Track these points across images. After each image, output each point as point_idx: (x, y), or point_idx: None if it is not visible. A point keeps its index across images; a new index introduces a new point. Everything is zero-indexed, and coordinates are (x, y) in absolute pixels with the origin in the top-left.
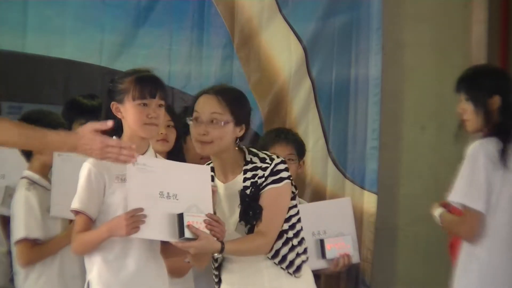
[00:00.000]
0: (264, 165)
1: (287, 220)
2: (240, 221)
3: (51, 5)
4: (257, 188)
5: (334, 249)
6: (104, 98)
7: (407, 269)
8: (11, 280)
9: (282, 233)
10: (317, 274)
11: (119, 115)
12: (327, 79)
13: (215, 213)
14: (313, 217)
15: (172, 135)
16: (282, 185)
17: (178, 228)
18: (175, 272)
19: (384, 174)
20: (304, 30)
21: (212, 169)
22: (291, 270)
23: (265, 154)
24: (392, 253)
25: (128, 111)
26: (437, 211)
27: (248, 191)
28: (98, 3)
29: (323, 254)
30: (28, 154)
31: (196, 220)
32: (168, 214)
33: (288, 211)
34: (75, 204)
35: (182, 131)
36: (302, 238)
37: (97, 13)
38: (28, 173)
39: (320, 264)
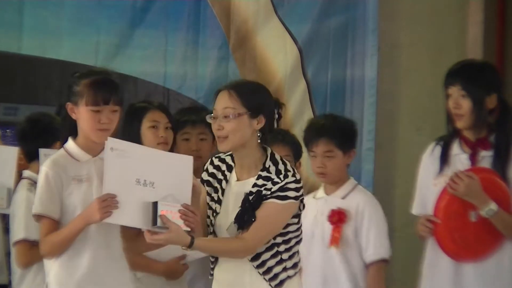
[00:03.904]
0: (276, 179)
1: (283, 235)
2: (234, 222)
3: (47, 6)
4: (259, 198)
5: None
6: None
7: (403, 270)
8: (10, 281)
9: (273, 245)
10: None
11: (73, 116)
12: (323, 80)
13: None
14: None
15: (171, 137)
16: (285, 203)
17: (152, 216)
18: (169, 275)
19: (380, 175)
20: (299, 31)
21: (231, 165)
22: (273, 283)
23: (284, 166)
24: None
25: (82, 115)
26: (490, 206)
27: (251, 197)
28: (94, 4)
29: None
30: (29, 156)
31: (171, 209)
32: (143, 201)
33: (286, 227)
34: (37, 208)
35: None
36: (295, 253)
37: (93, 14)
38: (29, 173)
39: None
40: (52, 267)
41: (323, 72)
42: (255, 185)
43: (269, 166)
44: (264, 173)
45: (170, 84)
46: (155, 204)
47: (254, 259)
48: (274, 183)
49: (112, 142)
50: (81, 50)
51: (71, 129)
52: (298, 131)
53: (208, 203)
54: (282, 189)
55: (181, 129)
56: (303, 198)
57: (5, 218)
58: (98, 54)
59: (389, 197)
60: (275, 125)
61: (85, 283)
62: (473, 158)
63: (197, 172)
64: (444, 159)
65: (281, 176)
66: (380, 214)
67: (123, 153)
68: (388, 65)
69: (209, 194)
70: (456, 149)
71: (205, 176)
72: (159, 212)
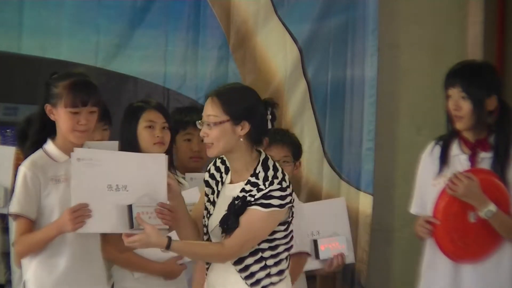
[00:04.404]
0: (261, 186)
1: (270, 241)
2: (219, 225)
3: (46, 6)
4: (244, 204)
5: (328, 249)
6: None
7: (402, 270)
8: (9, 280)
9: (258, 251)
10: (312, 275)
11: (52, 117)
12: (323, 80)
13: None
14: (307, 217)
15: (167, 137)
16: (268, 211)
17: (128, 219)
18: (167, 275)
19: (380, 175)
20: (299, 31)
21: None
22: None
23: (274, 172)
24: (388, 254)
25: (60, 117)
26: (489, 207)
27: (237, 202)
28: (93, 4)
29: (316, 255)
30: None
31: (146, 210)
32: (118, 206)
33: (272, 234)
34: (14, 208)
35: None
36: (282, 260)
37: (93, 14)
38: None
39: (314, 265)
40: (30, 265)
41: (323, 72)
42: (242, 190)
43: (259, 171)
44: (253, 179)
45: (170, 84)
46: (130, 207)
47: (237, 263)
48: (259, 190)
49: (78, 153)
50: (81, 50)
51: (50, 130)
52: (298, 131)
53: (205, 204)
54: (265, 196)
55: (183, 129)
56: (291, 206)
57: (4, 218)
58: (98, 54)
59: (389, 197)
60: (270, 126)
61: (63, 282)
62: (472, 159)
63: (196, 171)
64: (444, 159)
65: (267, 183)
66: None
67: (90, 162)
68: (388, 65)
69: (206, 195)
70: (455, 149)
71: (206, 176)
72: (135, 214)
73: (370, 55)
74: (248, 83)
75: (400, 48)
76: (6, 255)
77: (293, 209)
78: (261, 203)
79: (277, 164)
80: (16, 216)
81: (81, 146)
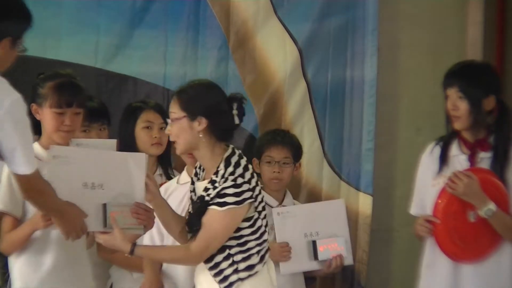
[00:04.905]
0: (217, 184)
1: (237, 238)
2: (186, 226)
3: (46, 7)
4: (204, 204)
5: (326, 250)
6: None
7: (402, 270)
8: (6, 280)
9: (224, 248)
10: (312, 276)
11: (37, 117)
12: (323, 81)
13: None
14: (306, 219)
15: (165, 138)
16: (224, 210)
17: (102, 218)
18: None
19: (380, 175)
20: (299, 32)
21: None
22: (222, 285)
23: (233, 169)
24: (388, 254)
25: (45, 117)
26: (489, 206)
27: (198, 202)
28: (93, 5)
29: (315, 255)
30: None
31: (121, 209)
32: (94, 204)
33: (239, 231)
34: None
35: None
36: (251, 255)
37: (92, 15)
38: None
39: (313, 266)
40: (16, 263)
41: (323, 72)
42: (205, 189)
43: (220, 169)
44: (214, 177)
45: (170, 85)
46: (104, 206)
47: (207, 261)
48: (215, 189)
49: (55, 150)
50: (81, 50)
51: (35, 129)
52: (298, 131)
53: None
54: (219, 195)
55: None
56: (254, 200)
57: None
58: (98, 55)
59: (388, 197)
60: (237, 121)
61: (48, 280)
62: (472, 159)
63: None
64: (443, 159)
65: (221, 181)
66: None
67: (66, 160)
68: (388, 66)
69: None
70: (455, 150)
71: (193, 174)
72: (109, 214)
73: (370, 56)
74: (248, 84)
75: (400, 48)
76: (3, 256)
77: (262, 204)
78: (217, 202)
79: (242, 161)
80: (1, 214)
81: (67, 145)
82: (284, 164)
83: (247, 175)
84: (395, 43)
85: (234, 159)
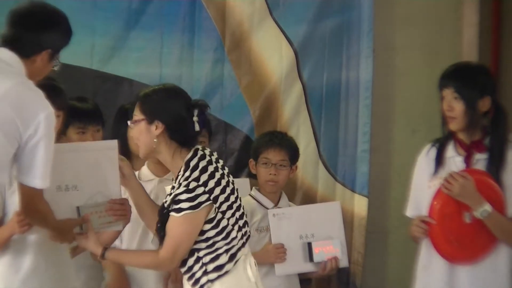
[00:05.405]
0: (173, 190)
1: (204, 240)
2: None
3: None
4: (165, 210)
5: (322, 252)
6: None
7: (397, 272)
8: None
9: (194, 251)
10: (307, 278)
11: None
12: (318, 82)
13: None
14: (302, 220)
15: None
16: (180, 216)
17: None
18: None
19: (375, 177)
20: (295, 33)
21: None
22: None
23: (190, 173)
24: (383, 256)
25: None
26: (484, 207)
27: (161, 209)
28: (89, 7)
29: (310, 257)
30: None
31: (96, 209)
32: (69, 207)
33: (203, 234)
34: None
35: None
36: (219, 255)
37: (88, 17)
38: None
39: (308, 267)
40: None
41: (318, 74)
42: (169, 194)
43: (180, 174)
44: (174, 182)
45: None
46: (78, 209)
47: (181, 265)
48: (170, 194)
49: None
50: (76, 52)
51: None
52: (294, 133)
53: None
54: (174, 201)
55: None
56: (212, 202)
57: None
58: (94, 56)
59: (384, 199)
60: (197, 128)
61: (30, 281)
62: (467, 160)
63: None
64: (439, 161)
65: (176, 186)
66: None
67: None
68: (383, 67)
69: None
70: (451, 151)
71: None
72: (82, 216)
73: (366, 57)
74: (243, 85)
75: (395, 50)
76: None
77: (227, 203)
78: (174, 208)
79: (201, 163)
80: None
81: None
82: (281, 166)
83: (203, 178)
84: (390, 45)
85: (193, 162)
